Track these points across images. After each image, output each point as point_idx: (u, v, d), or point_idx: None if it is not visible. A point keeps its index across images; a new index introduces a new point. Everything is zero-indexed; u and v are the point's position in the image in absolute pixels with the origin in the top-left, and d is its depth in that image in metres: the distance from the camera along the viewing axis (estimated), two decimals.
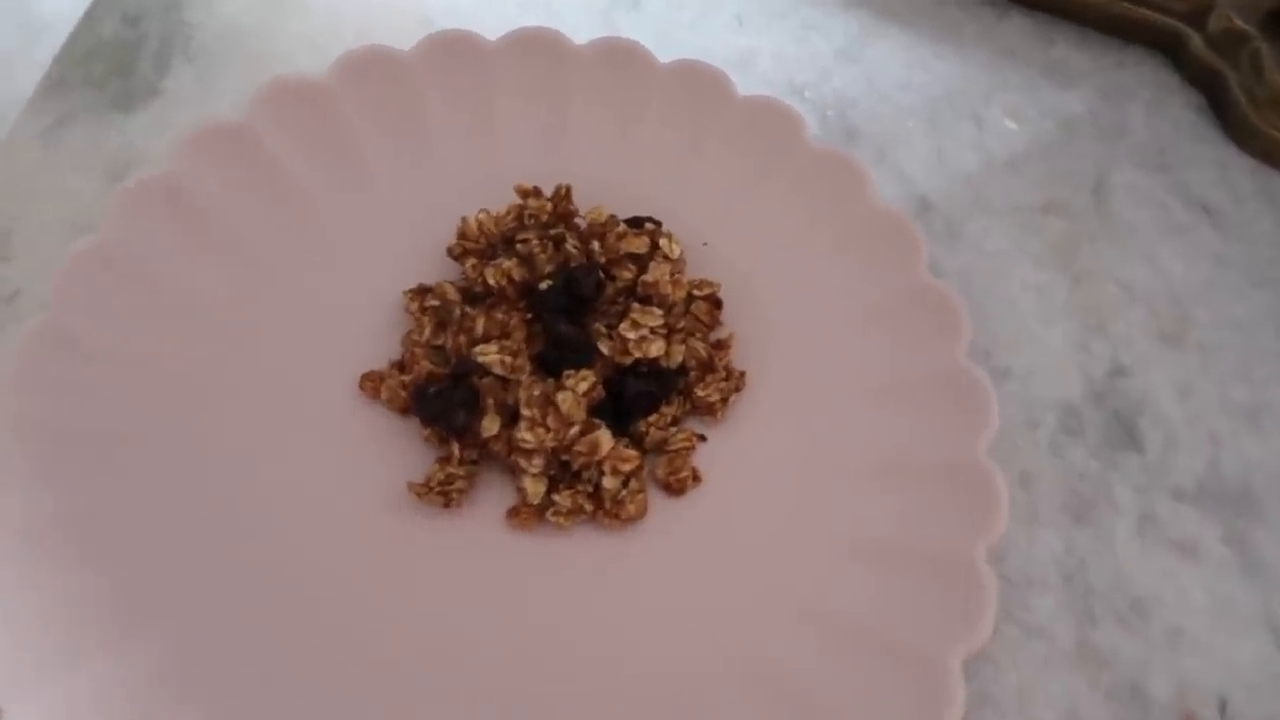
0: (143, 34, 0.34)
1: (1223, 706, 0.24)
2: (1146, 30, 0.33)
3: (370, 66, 0.29)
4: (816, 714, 0.22)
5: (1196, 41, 0.33)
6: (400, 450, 0.25)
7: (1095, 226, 0.31)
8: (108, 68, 0.33)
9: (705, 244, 0.28)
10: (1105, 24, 0.34)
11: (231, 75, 0.33)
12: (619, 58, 0.29)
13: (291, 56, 0.33)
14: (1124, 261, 0.30)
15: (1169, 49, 0.34)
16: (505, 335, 0.25)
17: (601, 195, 0.28)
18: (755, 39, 0.34)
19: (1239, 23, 0.32)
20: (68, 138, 0.32)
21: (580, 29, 0.30)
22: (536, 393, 0.24)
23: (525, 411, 0.24)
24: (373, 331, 0.27)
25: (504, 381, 0.25)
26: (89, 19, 0.34)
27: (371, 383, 0.26)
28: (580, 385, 0.24)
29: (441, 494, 0.24)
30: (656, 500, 0.25)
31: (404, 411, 0.26)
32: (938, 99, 0.33)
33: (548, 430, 0.24)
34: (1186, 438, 0.27)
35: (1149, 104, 0.33)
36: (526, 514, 0.24)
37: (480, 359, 0.25)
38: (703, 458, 0.26)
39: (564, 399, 0.24)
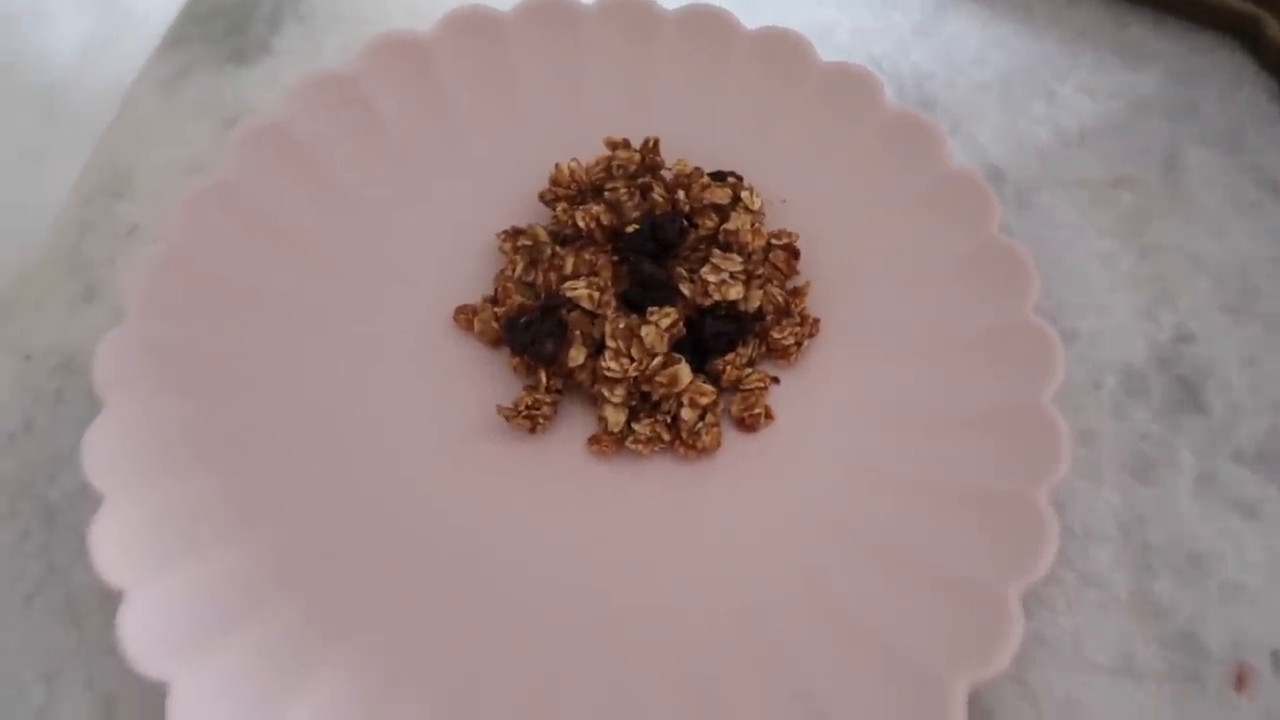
0: None
1: (1276, 659, 0.25)
2: (1222, 15, 0.34)
3: (472, 25, 0.31)
4: (879, 642, 0.23)
5: (1274, 27, 0.33)
6: (491, 379, 0.27)
7: (1165, 201, 0.31)
8: (225, 26, 0.36)
9: (784, 201, 0.29)
10: (1180, 8, 0.34)
11: (337, 35, 0.35)
12: (705, 23, 0.31)
13: (391, 19, 0.35)
14: (1192, 235, 0.31)
15: (1245, 34, 0.34)
16: (593, 273, 0.27)
17: (685, 152, 0.30)
18: (836, 12, 0.35)
19: None
20: (185, 88, 0.34)
21: (670, 1, 0.32)
22: (621, 325, 0.26)
23: (610, 343, 0.25)
24: (467, 270, 0.29)
25: (591, 316, 0.26)
26: None
27: (465, 315, 0.27)
28: (663, 320, 0.26)
29: (528, 418, 0.26)
30: (730, 436, 0.26)
31: (495, 343, 0.27)
32: (1011, 75, 0.34)
33: (631, 360, 0.25)
34: (1249, 404, 0.28)
35: (1223, 87, 0.33)
36: (607, 441, 0.26)
37: (569, 294, 0.26)
38: (776, 399, 0.27)
39: (648, 332, 0.25)
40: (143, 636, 0.22)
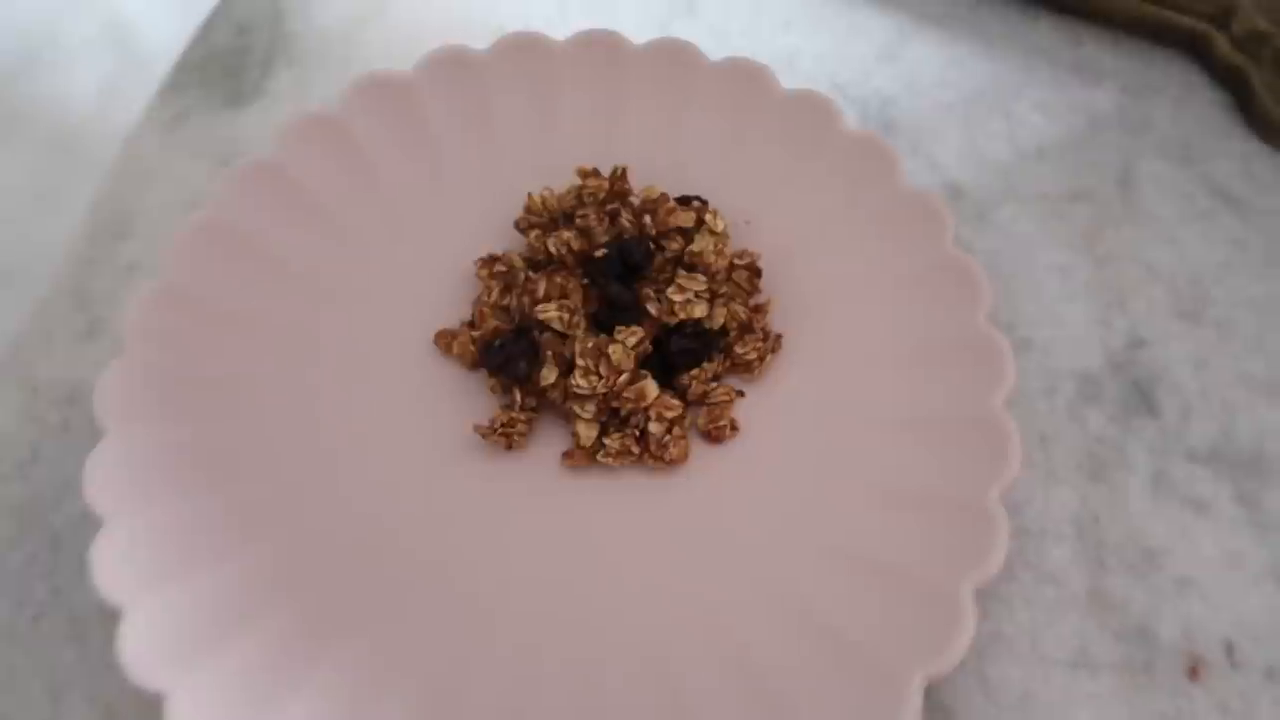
0: (250, 42, 0.38)
1: (1229, 649, 0.25)
2: (1173, 31, 0.35)
3: (450, 64, 0.33)
4: (839, 641, 0.24)
5: (1221, 42, 0.34)
6: (469, 400, 0.28)
7: (1120, 213, 0.32)
8: (221, 70, 0.37)
9: (747, 222, 0.31)
10: (1132, 25, 0.36)
11: (325, 77, 0.37)
12: (671, 56, 0.32)
13: (374, 61, 0.37)
14: (1146, 245, 0.32)
15: (1195, 50, 0.35)
16: (564, 296, 0.28)
17: (654, 179, 0.31)
18: (800, 40, 0.37)
19: (1262, 24, 0.34)
20: (183, 131, 0.36)
21: (640, 34, 0.33)
22: (590, 344, 0.27)
23: (580, 361, 0.27)
24: (448, 296, 0.30)
25: (562, 336, 0.28)
26: (205, 30, 0.39)
27: (444, 339, 0.29)
28: (630, 339, 0.27)
29: (504, 435, 0.27)
30: (698, 448, 0.28)
31: (473, 366, 0.29)
32: (970, 96, 0.35)
33: (600, 377, 0.27)
34: (1202, 406, 0.29)
35: (1175, 101, 0.35)
36: (579, 455, 0.27)
37: (540, 316, 0.28)
38: (741, 412, 0.28)
39: (615, 350, 0.27)
40: (140, 650, 0.24)
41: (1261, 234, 0.32)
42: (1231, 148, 0.33)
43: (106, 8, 0.37)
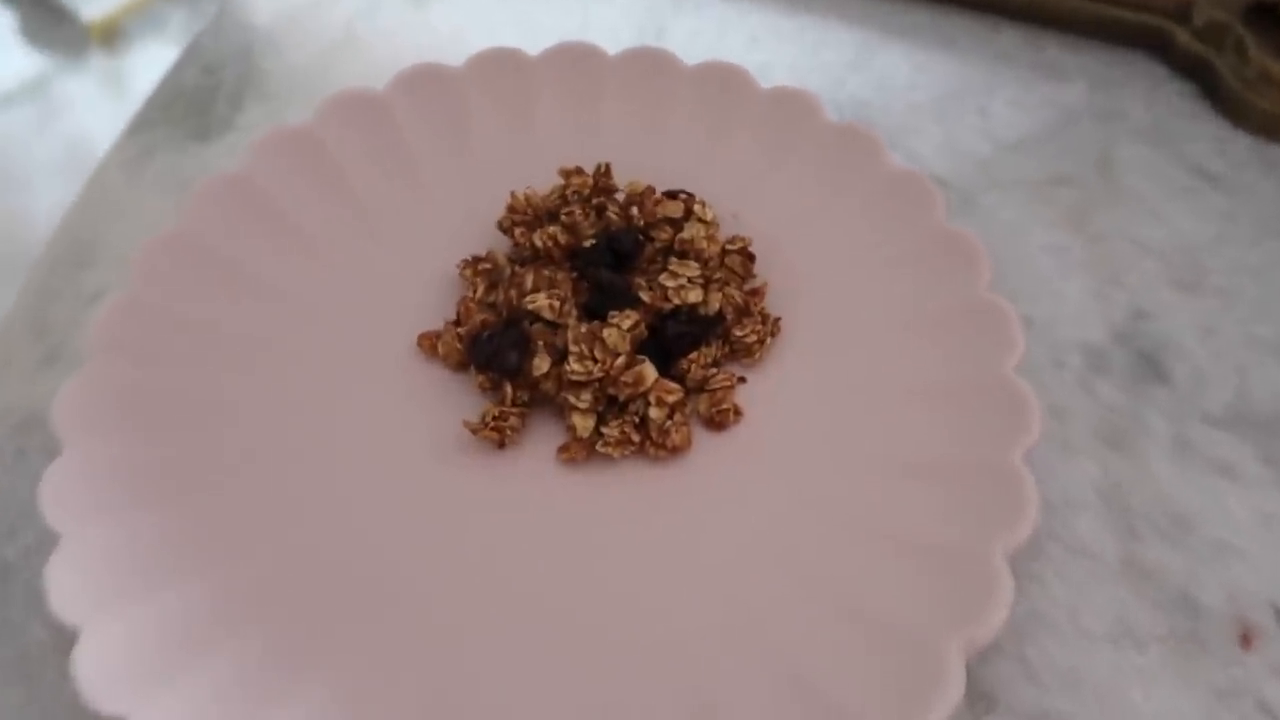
0: (219, 80, 0.38)
1: (1278, 613, 0.24)
2: (1133, 29, 0.36)
3: (424, 80, 0.32)
4: (869, 617, 0.22)
5: (1183, 35, 0.35)
6: (457, 402, 0.27)
7: (1103, 194, 0.32)
8: (188, 107, 0.37)
9: (735, 215, 0.30)
10: (1092, 27, 0.37)
11: (297, 109, 0.36)
12: (648, 63, 0.32)
13: None
14: (1135, 222, 0.31)
15: (1156, 46, 0.36)
16: (553, 287, 0.27)
17: (637, 179, 0.30)
18: (771, 55, 0.37)
19: (1220, 15, 0.35)
20: (149, 166, 0.35)
21: (612, 50, 0.33)
22: (584, 330, 0.26)
23: (573, 348, 0.25)
24: (430, 301, 0.29)
25: (553, 327, 0.26)
26: (174, 71, 0.38)
27: (428, 340, 0.28)
28: (625, 322, 0.26)
29: (495, 430, 0.25)
30: (701, 436, 0.26)
31: (460, 366, 0.27)
32: (943, 96, 0.35)
33: (595, 362, 0.25)
34: (1213, 370, 0.28)
35: (1143, 92, 0.35)
36: (577, 449, 0.25)
37: (530, 306, 0.26)
38: (743, 397, 0.27)
39: (610, 334, 0.25)
40: (98, 672, 0.21)
41: (1248, 207, 0.32)
42: (1204, 130, 0.34)
43: None
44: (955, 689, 0.20)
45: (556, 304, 0.26)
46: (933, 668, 0.21)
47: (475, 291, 0.28)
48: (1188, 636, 0.24)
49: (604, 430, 0.25)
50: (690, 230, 0.28)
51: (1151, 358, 0.28)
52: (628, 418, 0.26)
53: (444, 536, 0.25)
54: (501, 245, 0.30)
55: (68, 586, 0.22)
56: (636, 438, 0.25)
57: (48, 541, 0.23)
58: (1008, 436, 0.24)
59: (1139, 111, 0.34)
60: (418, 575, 0.24)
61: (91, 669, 0.21)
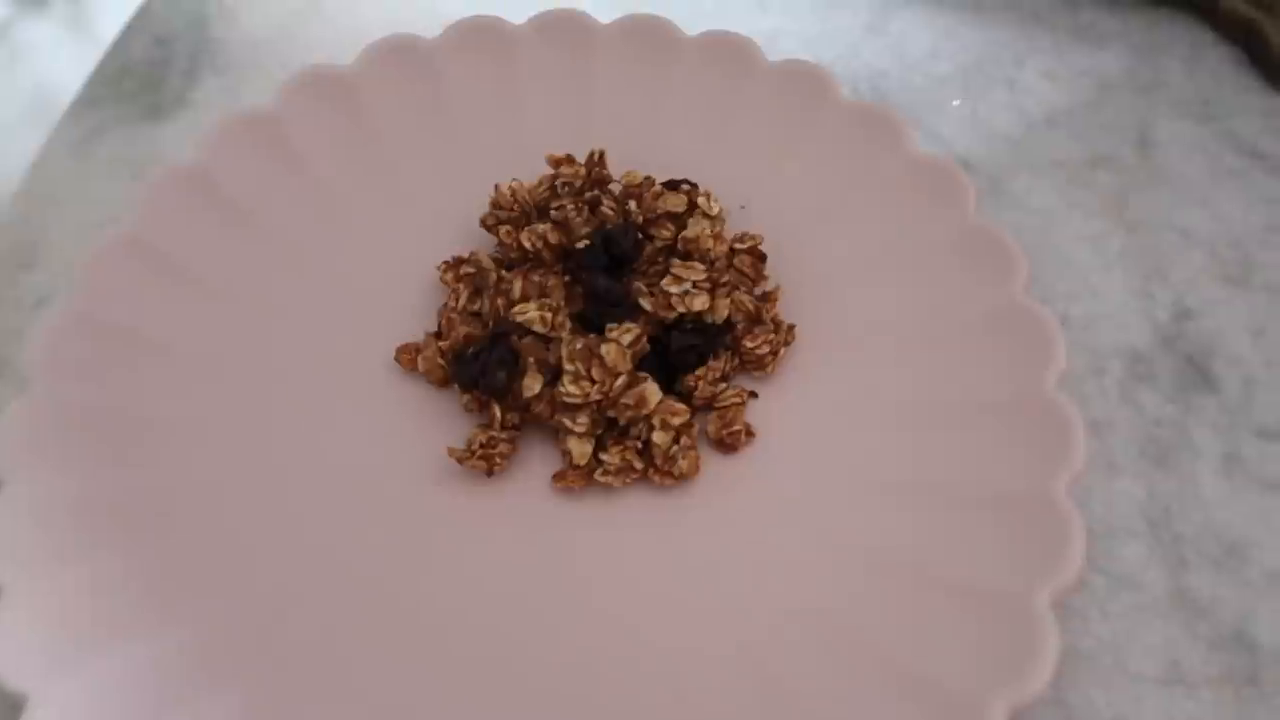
0: (171, 53, 0.34)
1: None
2: None
3: (396, 54, 0.29)
4: (900, 669, 0.20)
5: None
6: (440, 423, 0.24)
7: (1144, 177, 0.30)
8: (139, 83, 0.33)
9: (743, 207, 0.27)
10: None
11: (257, 83, 0.33)
12: (644, 32, 0.29)
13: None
14: (1178, 209, 0.29)
15: (1199, 7, 0.33)
16: (544, 295, 0.24)
17: (635, 165, 0.27)
18: (780, 20, 0.34)
19: None
20: (98, 149, 0.32)
21: (604, 17, 0.30)
22: (579, 345, 0.23)
23: (568, 366, 0.23)
24: (408, 308, 0.26)
25: (544, 340, 0.24)
26: (120, 42, 0.35)
27: (407, 355, 0.25)
28: (625, 337, 0.23)
29: (483, 458, 0.23)
30: (710, 459, 0.24)
31: (443, 383, 0.25)
32: (968, 66, 0.32)
33: (592, 383, 0.23)
34: (1265, 377, 0.26)
35: (1185, 59, 0.32)
36: (573, 476, 0.23)
37: (518, 318, 0.24)
38: (756, 415, 0.24)
39: (608, 350, 0.23)
40: None
41: None
42: (1251, 102, 0.31)
43: None
44: None
45: (548, 315, 0.24)
46: None
47: (458, 300, 0.25)
48: (1244, 678, 0.22)
49: (603, 457, 0.23)
50: (694, 228, 0.25)
51: (1198, 363, 0.26)
52: (629, 443, 0.23)
53: (427, 575, 0.23)
54: (485, 243, 0.27)
55: (12, 649, 0.20)
56: (640, 465, 0.23)
57: None
58: (1050, 465, 0.22)
59: (1181, 81, 0.32)
60: (399, 620, 0.22)
61: None
